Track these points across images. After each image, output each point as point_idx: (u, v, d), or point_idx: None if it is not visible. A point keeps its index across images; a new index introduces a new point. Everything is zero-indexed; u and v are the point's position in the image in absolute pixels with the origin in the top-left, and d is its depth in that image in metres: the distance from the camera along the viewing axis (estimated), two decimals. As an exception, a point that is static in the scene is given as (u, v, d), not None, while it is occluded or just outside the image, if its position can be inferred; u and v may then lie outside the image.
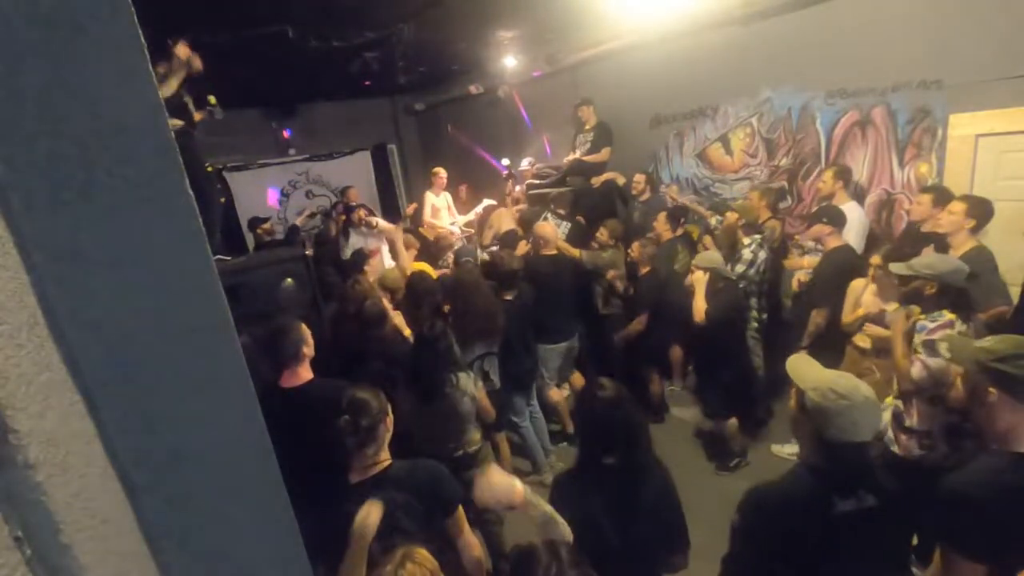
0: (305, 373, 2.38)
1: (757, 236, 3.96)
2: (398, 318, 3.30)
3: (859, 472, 1.44)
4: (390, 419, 1.86)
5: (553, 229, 4.10)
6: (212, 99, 3.30)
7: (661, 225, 4.51)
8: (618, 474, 1.65)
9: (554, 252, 3.94)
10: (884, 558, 1.47)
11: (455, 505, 1.80)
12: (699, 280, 3.51)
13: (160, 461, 0.60)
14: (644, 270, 4.13)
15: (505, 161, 6.99)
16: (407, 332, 3.16)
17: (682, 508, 1.76)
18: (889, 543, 1.47)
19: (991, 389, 1.38)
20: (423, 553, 1.33)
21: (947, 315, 2.26)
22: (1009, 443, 1.38)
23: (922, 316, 2.33)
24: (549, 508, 1.50)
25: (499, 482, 1.48)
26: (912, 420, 2.29)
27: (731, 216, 4.13)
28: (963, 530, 1.35)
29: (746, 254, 3.85)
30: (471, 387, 2.63)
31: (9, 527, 0.42)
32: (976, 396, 1.44)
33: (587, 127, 5.40)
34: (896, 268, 2.46)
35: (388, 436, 1.84)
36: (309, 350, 2.40)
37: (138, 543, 0.59)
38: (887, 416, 2.40)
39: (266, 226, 6.25)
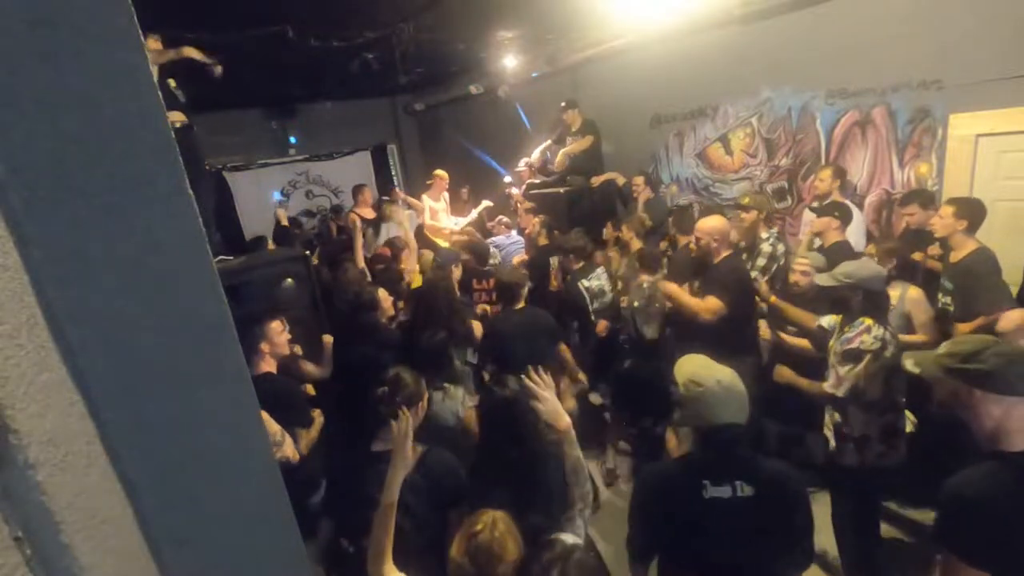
0: (264, 366, 2.50)
1: (774, 230, 3.86)
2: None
3: (728, 459, 1.54)
4: (424, 403, 2.02)
5: (724, 222, 3.04)
6: (172, 82, 3.26)
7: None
8: (517, 462, 1.85)
9: (731, 252, 3.00)
10: (774, 549, 1.52)
11: (459, 498, 1.85)
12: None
13: (160, 461, 0.60)
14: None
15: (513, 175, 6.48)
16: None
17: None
18: (778, 534, 1.51)
19: (972, 390, 1.40)
20: (506, 518, 1.44)
21: (866, 321, 2.31)
22: (1000, 442, 1.37)
23: (847, 328, 2.36)
24: (580, 453, 1.68)
25: (554, 406, 1.71)
26: (851, 429, 2.32)
27: (749, 216, 3.79)
28: (963, 535, 1.33)
29: (765, 248, 3.71)
30: (458, 404, 2.57)
31: (9, 527, 0.42)
32: (959, 400, 1.45)
33: (574, 129, 5.47)
34: (821, 280, 2.49)
35: (418, 419, 1.97)
36: (267, 347, 2.50)
37: (138, 543, 0.59)
38: (828, 424, 2.43)
39: None
